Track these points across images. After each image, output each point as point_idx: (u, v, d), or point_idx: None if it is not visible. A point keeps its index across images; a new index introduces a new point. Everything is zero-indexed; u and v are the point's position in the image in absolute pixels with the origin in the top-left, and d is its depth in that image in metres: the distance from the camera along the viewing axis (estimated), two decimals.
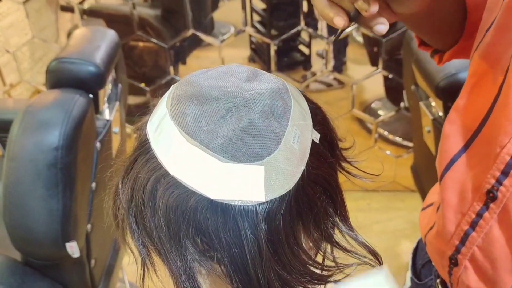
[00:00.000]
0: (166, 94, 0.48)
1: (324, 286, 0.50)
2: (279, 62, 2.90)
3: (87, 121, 1.11)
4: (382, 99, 2.72)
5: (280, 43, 2.58)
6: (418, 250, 0.86)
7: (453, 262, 0.66)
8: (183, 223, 0.42)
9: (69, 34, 2.37)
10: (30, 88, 2.70)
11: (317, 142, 0.47)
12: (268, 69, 2.50)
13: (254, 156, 0.42)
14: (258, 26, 2.87)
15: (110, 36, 1.39)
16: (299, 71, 3.05)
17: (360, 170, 0.53)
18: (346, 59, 2.97)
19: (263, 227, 0.42)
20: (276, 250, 0.43)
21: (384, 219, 2.11)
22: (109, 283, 1.38)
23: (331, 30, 2.55)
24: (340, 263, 0.49)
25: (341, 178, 0.51)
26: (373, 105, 2.75)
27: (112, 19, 2.48)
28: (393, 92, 2.47)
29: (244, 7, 2.57)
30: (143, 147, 0.46)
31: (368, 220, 2.07)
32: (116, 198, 0.48)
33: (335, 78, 2.94)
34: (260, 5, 2.88)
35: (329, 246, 0.49)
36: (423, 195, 1.62)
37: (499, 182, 0.57)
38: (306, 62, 3.07)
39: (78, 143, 1.06)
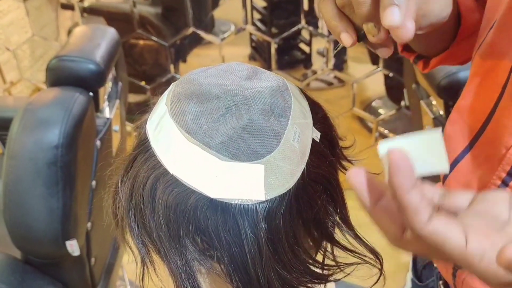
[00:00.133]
0: (166, 92, 0.47)
1: (325, 285, 0.50)
2: (279, 60, 2.90)
3: (87, 119, 1.11)
4: (382, 97, 2.72)
5: (281, 41, 2.58)
6: None
7: (457, 264, 0.65)
8: (182, 222, 0.42)
9: (69, 32, 2.37)
10: (30, 86, 2.70)
11: (318, 140, 0.46)
12: (269, 67, 2.50)
13: (254, 154, 0.42)
14: (259, 24, 2.87)
15: (110, 34, 1.39)
16: (299, 70, 3.05)
17: None
18: (346, 58, 2.96)
19: (263, 226, 0.42)
20: (276, 249, 0.43)
21: None
22: (109, 281, 1.38)
23: None
24: (341, 262, 0.49)
25: (341, 176, 0.51)
26: (373, 104, 2.74)
27: (113, 17, 2.48)
28: (393, 90, 2.46)
29: (244, 5, 2.57)
30: (143, 145, 0.46)
31: (368, 219, 2.06)
32: (115, 197, 0.48)
33: (335, 77, 2.93)
34: (260, 3, 2.88)
35: (329, 245, 0.49)
36: None
37: (505, 183, 0.56)
38: (306, 61, 3.07)
39: (78, 141, 1.06)
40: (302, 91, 0.49)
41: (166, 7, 2.58)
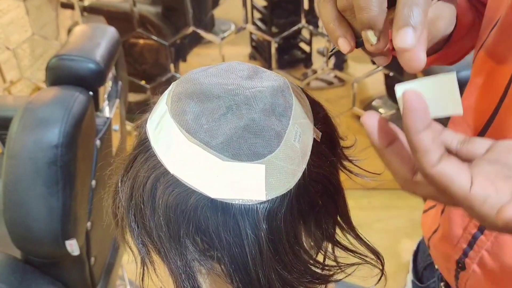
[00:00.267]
0: (166, 92, 0.47)
1: (325, 286, 0.50)
2: (279, 60, 2.90)
3: (87, 118, 1.11)
4: (383, 97, 2.72)
5: (281, 40, 2.58)
6: (419, 252, 0.84)
7: (460, 266, 0.65)
8: (183, 222, 0.42)
9: (69, 31, 2.37)
10: (30, 85, 2.70)
11: (319, 140, 0.46)
12: (269, 67, 2.50)
13: (255, 154, 0.41)
14: (259, 23, 2.87)
15: (110, 33, 1.38)
16: (299, 69, 3.05)
17: (361, 168, 0.52)
18: (347, 57, 2.96)
19: (264, 226, 0.41)
20: (277, 249, 0.43)
21: (385, 218, 2.11)
22: (108, 281, 1.38)
23: None
24: (341, 263, 0.49)
25: (342, 176, 0.51)
26: (374, 103, 2.74)
27: (113, 16, 2.48)
28: (394, 90, 2.46)
29: (244, 5, 2.57)
30: (143, 145, 0.46)
31: (369, 219, 2.06)
32: (115, 197, 0.48)
33: (336, 76, 2.93)
34: (260, 3, 2.88)
35: (330, 245, 0.49)
36: None
37: None
38: (307, 60, 3.07)
39: (78, 141, 1.06)
40: (303, 90, 0.49)
41: (166, 6, 2.58)
